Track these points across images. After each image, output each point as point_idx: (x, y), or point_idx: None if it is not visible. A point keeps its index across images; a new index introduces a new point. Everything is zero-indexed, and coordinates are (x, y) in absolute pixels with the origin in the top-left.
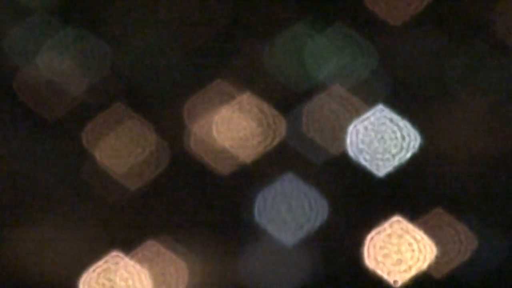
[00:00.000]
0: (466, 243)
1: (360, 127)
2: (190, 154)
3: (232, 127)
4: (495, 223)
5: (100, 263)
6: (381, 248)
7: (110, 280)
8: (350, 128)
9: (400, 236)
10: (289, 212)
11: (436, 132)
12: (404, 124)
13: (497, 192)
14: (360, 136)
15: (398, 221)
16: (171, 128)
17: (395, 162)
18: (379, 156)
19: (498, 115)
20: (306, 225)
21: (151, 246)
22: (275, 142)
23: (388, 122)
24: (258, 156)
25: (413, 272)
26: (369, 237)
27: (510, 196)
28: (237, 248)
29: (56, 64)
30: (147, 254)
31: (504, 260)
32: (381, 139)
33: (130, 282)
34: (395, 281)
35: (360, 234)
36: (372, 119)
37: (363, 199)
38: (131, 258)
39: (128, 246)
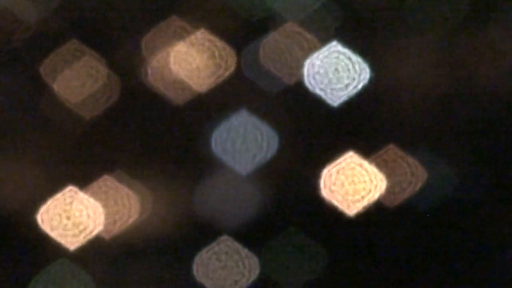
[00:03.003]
0: (417, 175)
1: (316, 61)
2: (145, 87)
3: (186, 60)
4: (444, 156)
5: (57, 196)
6: (335, 179)
7: (65, 211)
8: (307, 62)
9: (353, 169)
10: (243, 144)
11: (388, 65)
12: (356, 58)
13: (447, 125)
14: (316, 68)
15: (351, 156)
16: (125, 61)
17: (348, 92)
18: (333, 86)
19: (449, 47)
20: (259, 156)
21: (105, 181)
22: (227, 74)
23: (341, 56)
24: (211, 87)
25: (365, 202)
26: (324, 168)
27: (459, 129)
28: (192, 179)
29: None
30: (102, 188)
31: (453, 190)
32: (335, 71)
33: (84, 213)
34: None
35: (314, 166)
36: (326, 53)
37: (317, 131)
38: (86, 192)
39: (83, 181)
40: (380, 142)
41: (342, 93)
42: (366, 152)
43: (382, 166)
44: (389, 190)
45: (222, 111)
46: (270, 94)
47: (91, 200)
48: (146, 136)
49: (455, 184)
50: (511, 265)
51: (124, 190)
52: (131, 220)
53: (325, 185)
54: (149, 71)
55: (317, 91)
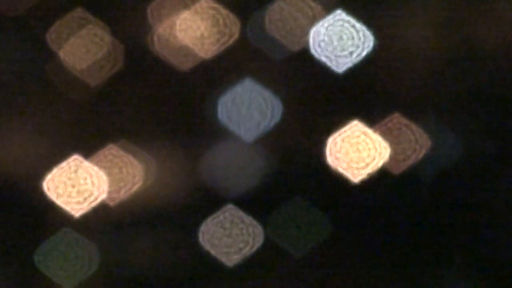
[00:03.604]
0: (421, 143)
1: (321, 29)
2: (150, 54)
3: (191, 27)
4: (449, 124)
5: (62, 165)
6: (340, 147)
7: (70, 179)
8: (312, 30)
9: (358, 137)
10: (247, 111)
11: (392, 33)
12: (360, 26)
13: (451, 92)
14: (321, 36)
15: (356, 124)
16: (130, 30)
17: (352, 59)
18: (338, 54)
19: (453, 14)
20: (263, 124)
21: (110, 150)
22: (231, 41)
23: (345, 24)
24: (216, 53)
25: (369, 170)
26: (329, 136)
27: (463, 96)
28: (196, 146)
29: None
30: (107, 157)
31: (457, 158)
32: (339, 39)
33: (88, 181)
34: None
35: (319, 134)
36: (331, 21)
37: (322, 99)
38: (91, 161)
39: (88, 150)
40: (385, 110)
41: (346, 60)
42: (371, 120)
43: (386, 134)
44: (393, 158)
45: (227, 78)
46: (275, 61)
47: (96, 168)
48: (151, 103)
49: (459, 152)
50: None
51: (128, 158)
52: (135, 188)
53: (330, 153)
54: (155, 39)
55: (322, 59)
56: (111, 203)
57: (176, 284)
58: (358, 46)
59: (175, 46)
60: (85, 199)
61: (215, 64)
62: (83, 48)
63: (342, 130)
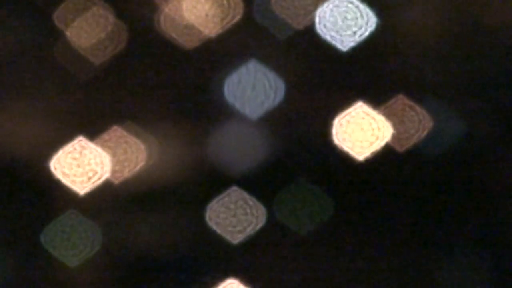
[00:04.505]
0: (424, 122)
1: (326, 10)
2: (155, 33)
3: (196, 7)
4: (451, 105)
5: (68, 146)
6: (345, 128)
7: (76, 159)
8: (318, 11)
9: (362, 118)
10: (252, 91)
11: (395, 14)
12: (363, 7)
13: (454, 74)
14: (327, 17)
15: (361, 106)
16: (134, 10)
17: (356, 38)
18: (342, 33)
19: None
20: (267, 103)
21: (115, 131)
22: (235, 21)
23: (349, 5)
24: (220, 32)
25: (372, 149)
26: (334, 117)
27: (466, 77)
28: (202, 125)
29: None
30: (112, 138)
31: (458, 138)
32: (344, 19)
33: (92, 161)
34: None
35: (324, 114)
36: (336, 2)
37: (327, 80)
38: (96, 143)
39: (93, 131)
40: (389, 91)
41: (350, 39)
42: (375, 101)
43: (390, 114)
44: (397, 136)
45: (232, 57)
46: (280, 40)
47: (100, 150)
48: (156, 82)
49: (461, 132)
50: None
51: (132, 139)
52: (138, 167)
53: (335, 132)
54: (161, 18)
55: (327, 38)
56: (116, 181)
57: (180, 263)
58: (361, 26)
59: (180, 25)
60: (89, 178)
61: (220, 43)
62: (88, 28)
63: (347, 111)
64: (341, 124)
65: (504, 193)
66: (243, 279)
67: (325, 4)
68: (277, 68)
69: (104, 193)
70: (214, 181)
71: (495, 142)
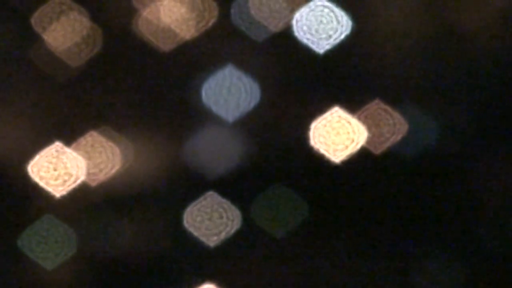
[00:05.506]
0: (399, 126)
1: (303, 14)
2: (131, 36)
3: (171, 10)
4: (426, 109)
5: (45, 151)
6: (321, 132)
7: (52, 163)
8: (296, 15)
9: (338, 122)
10: (228, 95)
11: (371, 18)
12: (339, 11)
13: (429, 78)
14: (303, 21)
15: (337, 110)
16: (111, 13)
17: (331, 42)
18: (319, 36)
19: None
20: (243, 105)
21: (91, 136)
22: (210, 24)
23: (325, 10)
24: (196, 35)
25: (348, 152)
26: (311, 121)
27: (440, 81)
28: (179, 129)
29: None
30: (88, 143)
31: (433, 142)
32: (320, 23)
33: (68, 165)
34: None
35: (300, 117)
36: (312, 7)
37: (303, 84)
38: (72, 147)
39: (70, 136)
40: (366, 95)
41: (326, 42)
42: (352, 106)
43: (366, 118)
44: (373, 140)
45: (208, 60)
46: (257, 43)
47: (76, 154)
48: (132, 85)
49: (435, 135)
50: (488, 212)
51: (108, 143)
52: (114, 170)
53: (311, 136)
54: (138, 22)
55: (304, 41)
56: (92, 184)
57: (156, 267)
58: (336, 30)
59: (156, 28)
60: (65, 181)
61: (196, 46)
62: (65, 31)
63: (323, 116)
64: (317, 128)
65: (478, 194)
66: (220, 282)
67: (302, 8)
68: (254, 71)
69: (80, 196)
70: (191, 185)
71: (468, 145)
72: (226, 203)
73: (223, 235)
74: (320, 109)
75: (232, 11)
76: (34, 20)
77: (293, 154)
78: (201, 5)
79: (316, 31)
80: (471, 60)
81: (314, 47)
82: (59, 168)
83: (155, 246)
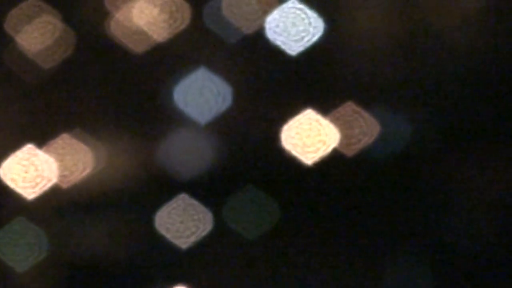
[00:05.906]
0: (371, 128)
1: (275, 16)
2: (104, 39)
3: (144, 13)
4: (398, 111)
5: (17, 153)
6: (293, 133)
7: (24, 166)
8: (268, 17)
9: (310, 124)
10: (200, 97)
11: (343, 21)
12: (311, 13)
13: (401, 80)
14: (276, 22)
15: (309, 112)
16: (83, 17)
17: (304, 43)
18: (291, 38)
19: (403, 2)
20: (215, 107)
21: (63, 139)
22: (182, 27)
23: (298, 12)
24: (169, 37)
25: (319, 154)
26: (282, 123)
27: (411, 84)
28: (151, 132)
29: None
30: (60, 145)
31: (404, 143)
32: (292, 25)
33: (40, 168)
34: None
35: (272, 119)
36: (285, 9)
37: (275, 86)
38: (44, 150)
39: (42, 139)
40: (338, 98)
41: (298, 44)
42: (324, 108)
43: (338, 120)
44: (345, 142)
45: (180, 62)
46: (229, 45)
47: (48, 157)
48: (104, 87)
49: (407, 137)
50: (459, 213)
51: (80, 145)
52: (86, 172)
53: (283, 138)
54: (110, 24)
55: (277, 42)
56: (63, 187)
57: (128, 269)
58: (309, 32)
59: (129, 30)
60: (37, 183)
61: (169, 48)
62: (37, 33)
63: (296, 118)
64: (289, 129)
65: (449, 196)
66: (192, 284)
67: (274, 10)
68: (226, 73)
69: (52, 199)
70: (162, 187)
71: (440, 147)
72: (197, 205)
73: (194, 237)
74: (293, 111)
75: (205, 13)
76: (6, 22)
77: (265, 156)
78: (174, 7)
79: (289, 33)
80: (443, 62)
81: (286, 49)
82: (30, 171)
83: (127, 249)
